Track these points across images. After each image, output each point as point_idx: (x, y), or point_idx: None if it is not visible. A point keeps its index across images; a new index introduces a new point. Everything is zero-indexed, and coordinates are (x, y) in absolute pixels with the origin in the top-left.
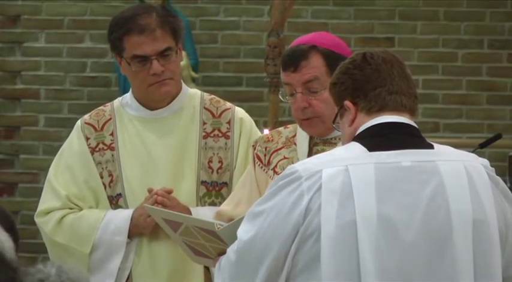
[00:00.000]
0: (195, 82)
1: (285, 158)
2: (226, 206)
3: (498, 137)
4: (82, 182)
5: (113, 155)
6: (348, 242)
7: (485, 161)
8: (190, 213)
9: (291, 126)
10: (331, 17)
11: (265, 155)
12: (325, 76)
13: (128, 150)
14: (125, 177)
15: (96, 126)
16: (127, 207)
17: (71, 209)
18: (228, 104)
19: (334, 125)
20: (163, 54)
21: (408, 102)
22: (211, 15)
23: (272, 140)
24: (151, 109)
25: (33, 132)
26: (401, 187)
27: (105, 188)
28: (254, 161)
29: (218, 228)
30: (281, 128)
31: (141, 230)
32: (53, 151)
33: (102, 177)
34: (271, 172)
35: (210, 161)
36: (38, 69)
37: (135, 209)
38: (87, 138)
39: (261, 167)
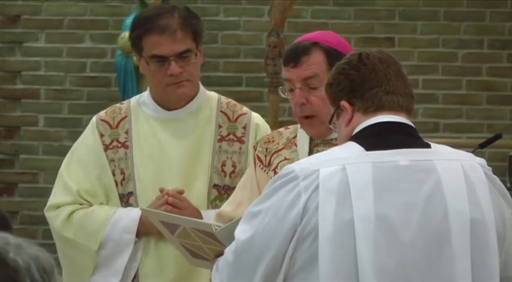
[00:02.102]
0: None
1: (285, 159)
2: (227, 207)
3: (498, 137)
4: (94, 178)
5: (126, 153)
6: (346, 242)
7: (482, 160)
8: (201, 215)
9: (291, 127)
10: (331, 17)
11: (265, 156)
12: (325, 73)
13: (141, 149)
14: (137, 176)
15: (112, 124)
16: (137, 205)
17: (81, 204)
18: (245, 109)
19: (330, 126)
20: (182, 56)
21: (405, 102)
22: (211, 15)
23: (273, 141)
24: (168, 109)
25: (33, 132)
26: (398, 186)
27: (116, 185)
28: (255, 162)
29: (215, 229)
30: (282, 129)
31: (149, 229)
32: (53, 151)
33: (114, 175)
34: (271, 173)
35: (223, 165)
36: (38, 69)
37: None
38: (102, 135)
39: (262, 168)
